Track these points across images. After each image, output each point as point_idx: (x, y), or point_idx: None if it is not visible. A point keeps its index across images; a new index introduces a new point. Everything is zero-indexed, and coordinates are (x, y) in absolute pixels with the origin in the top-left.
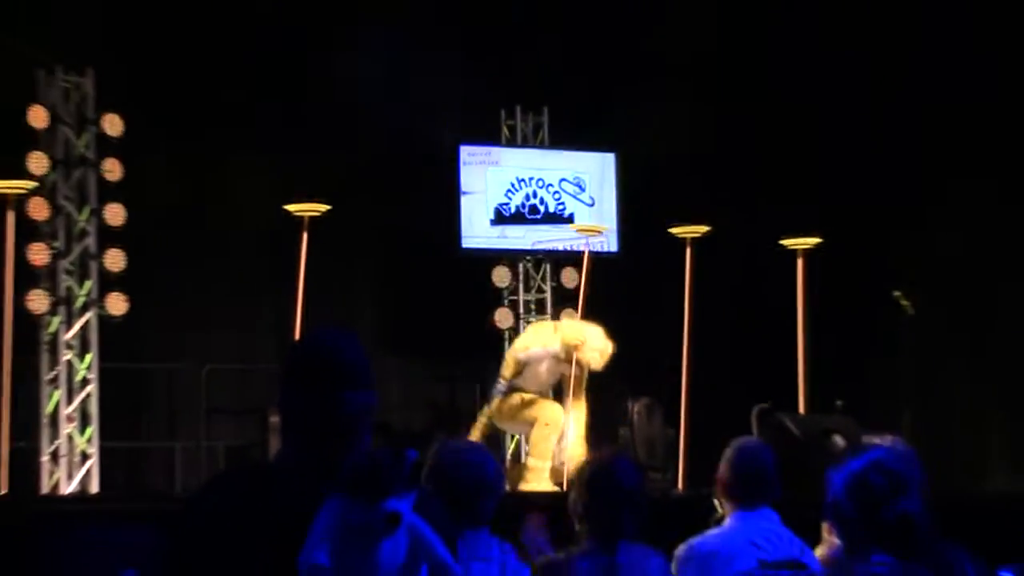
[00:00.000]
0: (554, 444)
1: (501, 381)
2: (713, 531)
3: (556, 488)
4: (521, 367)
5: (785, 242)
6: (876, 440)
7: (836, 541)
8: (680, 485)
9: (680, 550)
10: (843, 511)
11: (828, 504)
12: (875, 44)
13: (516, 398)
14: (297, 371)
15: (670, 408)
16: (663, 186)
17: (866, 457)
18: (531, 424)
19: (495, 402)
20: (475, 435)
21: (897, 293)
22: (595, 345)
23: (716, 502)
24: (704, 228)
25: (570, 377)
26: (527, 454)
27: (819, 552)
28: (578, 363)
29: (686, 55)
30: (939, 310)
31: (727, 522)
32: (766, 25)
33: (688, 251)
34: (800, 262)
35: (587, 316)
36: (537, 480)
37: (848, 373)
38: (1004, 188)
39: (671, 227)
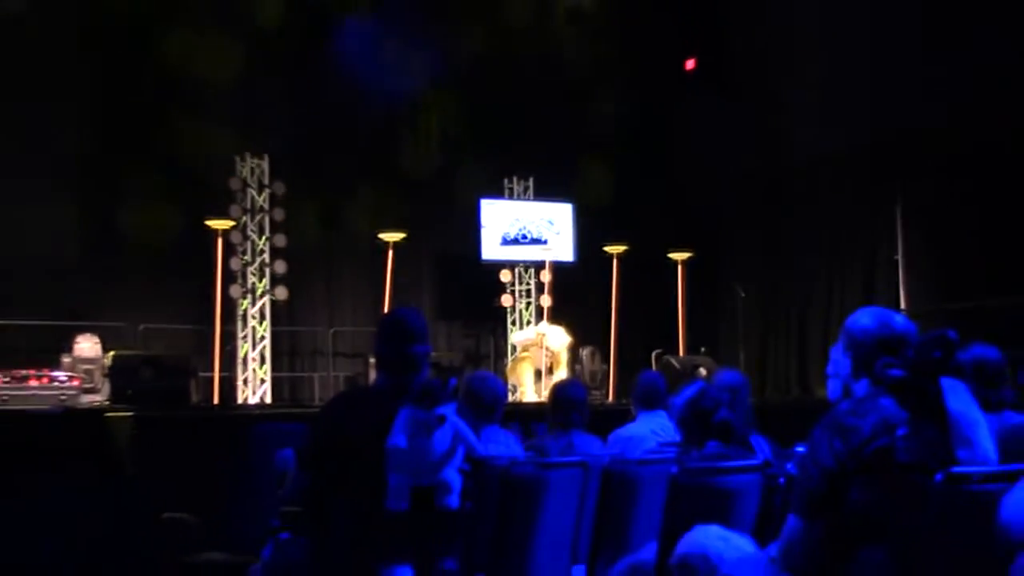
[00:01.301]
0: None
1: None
2: (629, 424)
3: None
4: (520, 346)
5: (671, 255)
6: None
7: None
8: (610, 398)
9: (611, 435)
10: (684, 419)
11: (676, 419)
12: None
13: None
14: (386, 332)
15: (605, 352)
16: (602, 221)
17: (696, 387)
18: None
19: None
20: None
21: (736, 285)
22: (553, 340)
23: (631, 408)
24: (624, 247)
25: (544, 355)
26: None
27: None
28: (546, 348)
29: (614, 141)
30: (759, 298)
31: (637, 419)
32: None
33: (615, 261)
34: (680, 266)
35: (555, 299)
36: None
37: (708, 332)
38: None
39: (605, 246)
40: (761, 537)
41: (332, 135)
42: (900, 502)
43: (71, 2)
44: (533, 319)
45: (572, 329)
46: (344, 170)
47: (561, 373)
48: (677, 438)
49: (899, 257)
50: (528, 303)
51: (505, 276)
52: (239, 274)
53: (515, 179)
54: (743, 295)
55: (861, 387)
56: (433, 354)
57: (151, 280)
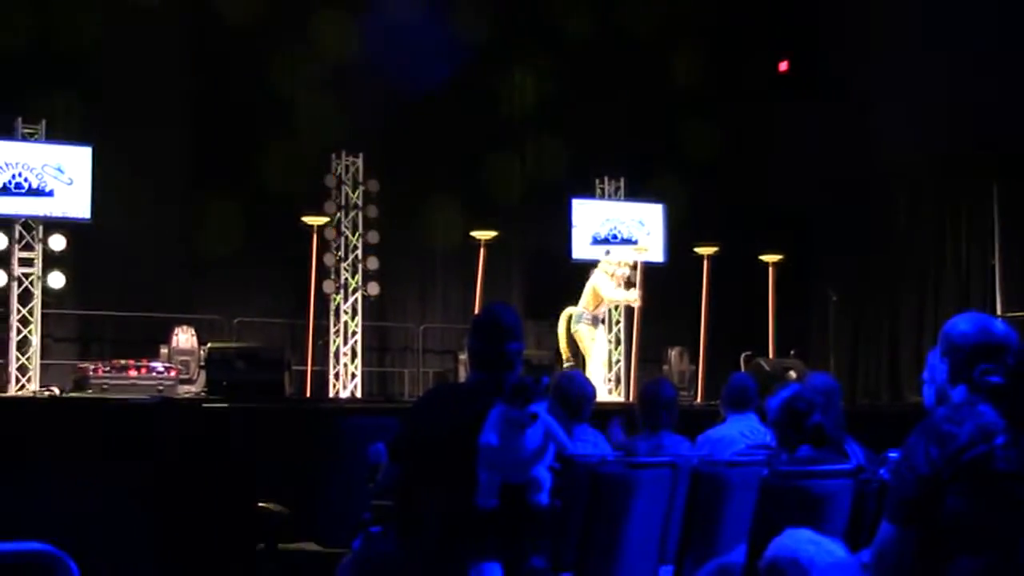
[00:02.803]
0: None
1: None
2: (719, 426)
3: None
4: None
5: (762, 257)
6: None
7: None
8: (699, 399)
9: (700, 437)
10: (778, 422)
11: (769, 421)
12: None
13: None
14: (480, 329)
15: (694, 352)
16: (692, 222)
17: (791, 389)
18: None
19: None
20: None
21: (829, 289)
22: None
23: (720, 409)
24: (715, 248)
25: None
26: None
27: None
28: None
29: (703, 138)
30: (851, 302)
31: (726, 421)
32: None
33: (706, 262)
34: (771, 269)
35: (645, 299)
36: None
37: (799, 333)
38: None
39: (696, 247)
40: (852, 543)
41: (426, 135)
42: (997, 511)
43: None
44: (623, 318)
45: (661, 329)
46: (437, 168)
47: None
48: (767, 440)
49: (995, 263)
50: (617, 306)
51: None
52: (333, 270)
53: (606, 179)
54: (834, 299)
55: (958, 393)
56: (525, 352)
57: (247, 274)
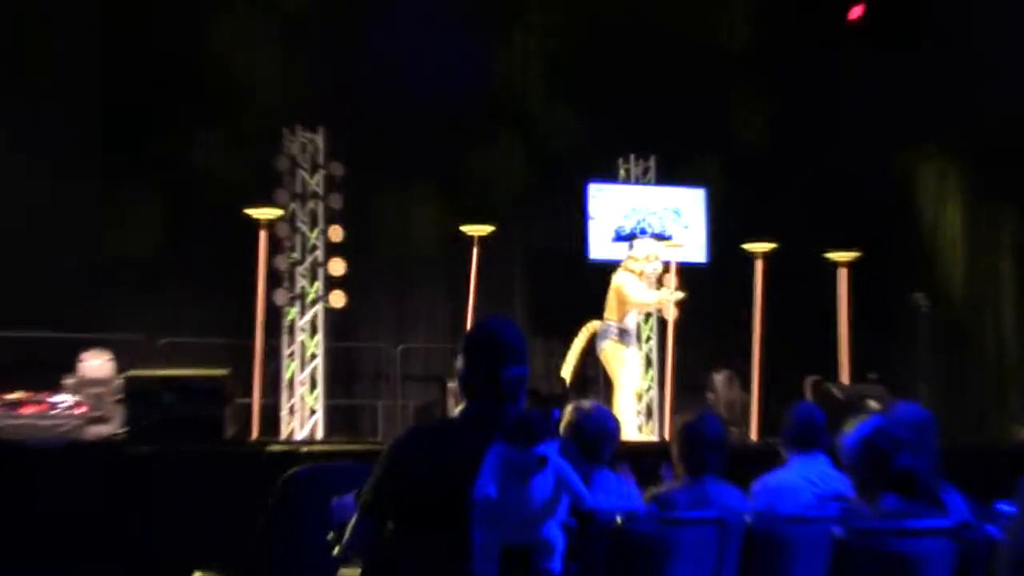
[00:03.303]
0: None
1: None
2: (779, 470)
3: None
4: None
5: (830, 255)
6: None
7: None
8: (753, 436)
9: (755, 485)
10: (855, 466)
11: (844, 461)
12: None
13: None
14: (472, 349)
15: (745, 378)
16: (741, 213)
17: (871, 423)
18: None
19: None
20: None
21: (917, 295)
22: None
23: (781, 449)
24: (771, 245)
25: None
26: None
27: None
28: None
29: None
30: (944, 309)
31: (789, 464)
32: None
33: (758, 262)
34: (843, 270)
35: (680, 309)
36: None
37: (880, 352)
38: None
39: (746, 244)
40: None
41: (404, 102)
42: None
43: None
44: (654, 334)
45: (704, 348)
46: (418, 147)
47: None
48: (841, 489)
49: None
50: (648, 315)
51: None
52: (286, 276)
53: (632, 158)
54: (925, 308)
55: None
56: (530, 378)
57: (176, 283)
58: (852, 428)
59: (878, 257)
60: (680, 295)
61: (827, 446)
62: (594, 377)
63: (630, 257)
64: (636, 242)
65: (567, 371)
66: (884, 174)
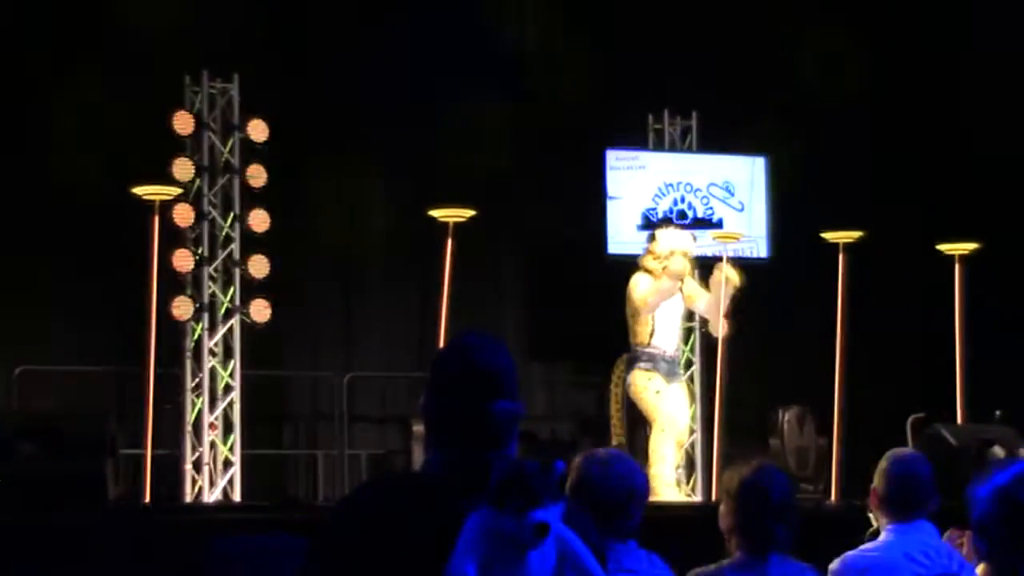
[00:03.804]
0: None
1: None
2: (868, 546)
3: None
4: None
5: (942, 247)
6: None
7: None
8: (833, 497)
9: (835, 565)
10: (990, 529)
11: (974, 522)
12: None
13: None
14: (443, 379)
15: (823, 417)
16: (816, 190)
17: (1015, 470)
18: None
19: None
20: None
21: None
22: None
23: (871, 515)
24: (858, 233)
25: None
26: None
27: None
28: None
29: (838, 54)
30: None
31: (883, 536)
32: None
33: (841, 257)
34: (958, 268)
35: (732, 322)
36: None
37: (1009, 381)
38: None
39: (823, 232)
40: None
41: (351, 37)
42: None
43: None
44: (697, 359)
45: (766, 376)
46: (372, 100)
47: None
48: (953, 569)
49: None
50: (689, 328)
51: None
52: (189, 279)
53: (666, 116)
54: None
55: None
56: (524, 418)
57: (35, 292)
58: (985, 479)
59: (1006, 251)
60: (734, 275)
61: (935, 510)
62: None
63: (648, 252)
64: (659, 232)
65: (613, 413)
66: (1018, 141)
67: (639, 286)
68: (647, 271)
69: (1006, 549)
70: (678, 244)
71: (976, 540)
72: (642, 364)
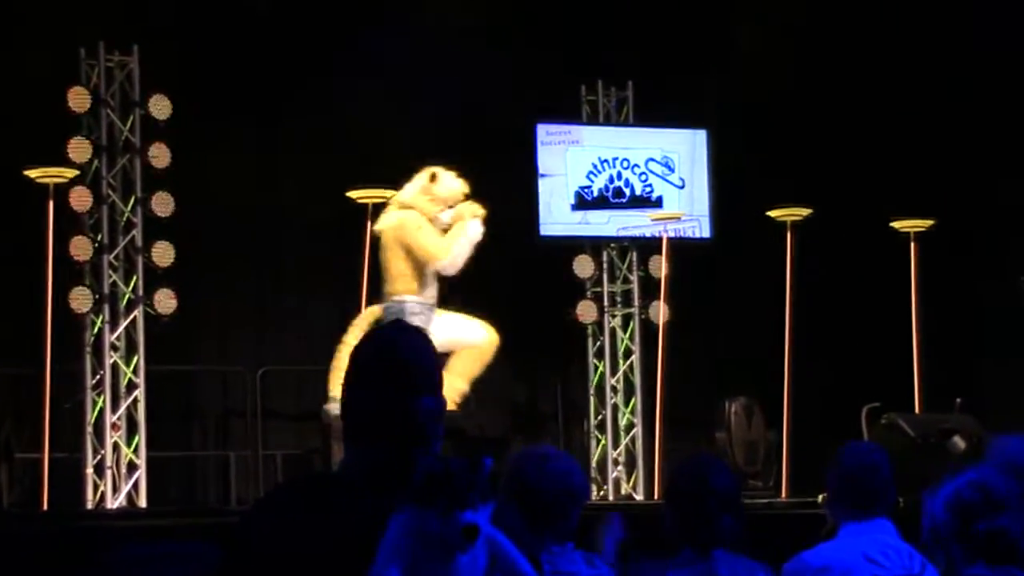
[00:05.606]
0: None
1: None
2: (824, 544)
3: None
4: None
5: (896, 224)
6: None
7: None
8: (784, 493)
9: (788, 565)
10: (939, 529)
11: (925, 526)
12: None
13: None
14: (362, 374)
15: (771, 408)
16: (761, 165)
17: (965, 475)
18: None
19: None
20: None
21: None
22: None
23: (825, 512)
24: (806, 210)
25: None
26: None
27: None
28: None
29: (785, 20)
30: None
31: (838, 534)
32: None
33: (789, 236)
34: (913, 247)
35: (675, 308)
36: None
37: (968, 368)
38: None
39: (770, 210)
40: None
41: (259, 4)
42: None
43: None
44: (637, 347)
45: (712, 365)
46: (283, 73)
47: None
48: (915, 569)
49: None
50: (628, 315)
51: (583, 266)
52: (87, 269)
53: (600, 88)
54: None
55: None
56: (451, 412)
57: None
58: (936, 489)
59: (962, 229)
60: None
61: (892, 507)
62: (551, 413)
63: (421, 190)
64: (441, 174)
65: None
66: (976, 111)
67: (427, 232)
68: (417, 209)
69: (952, 545)
70: (455, 189)
71: (927, 542)
72: (418, 318)
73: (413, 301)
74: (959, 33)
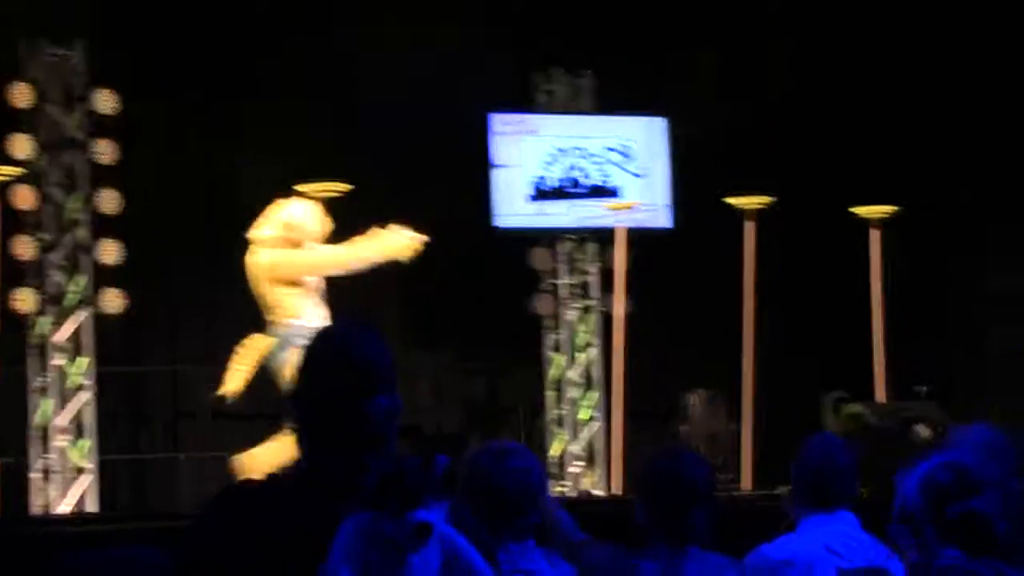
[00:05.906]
0: None
1: None
2: (784, 537)
3: None
4: None
5: (857, 211)
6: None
7: None
8: (748, 484)
9: (750, 558)
10: (912, 512)
11: (896, 508)
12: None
13: None
14: (315, 373)
15: (733, 400)
16: (720, 153)
17: (939, 457)
18: None
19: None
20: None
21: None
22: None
23: (787, 506)
24: (767, 199)
25: None
26: None
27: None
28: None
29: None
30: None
31: (799, 527)
32: None
33: (749, 224)
34: (874, 234)
35: (634, 300)
36: None
37: (930, 356)
38: None
39: (729, 198)
40: None
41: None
42: None
43: None
44: (595, 339)
45: (673, 356)
46: (231, 63)
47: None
48: (876, 561)
49: None
50: (586, 307)
51: (540, 258)
52: (31, 268)
53: (558, 74)
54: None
55: None
56: (405, 410)
57: None
58: (907, 471)
59: (925, 216)
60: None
61: (854, 499)
62: (510, 408)
63: (284, 228)
64: (293, 204)
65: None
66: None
67: (302, 252)
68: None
69: (924, 527)
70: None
71: (896, 532)
72: (299, 342)
73: (299, 325)
74: (917, 20)
